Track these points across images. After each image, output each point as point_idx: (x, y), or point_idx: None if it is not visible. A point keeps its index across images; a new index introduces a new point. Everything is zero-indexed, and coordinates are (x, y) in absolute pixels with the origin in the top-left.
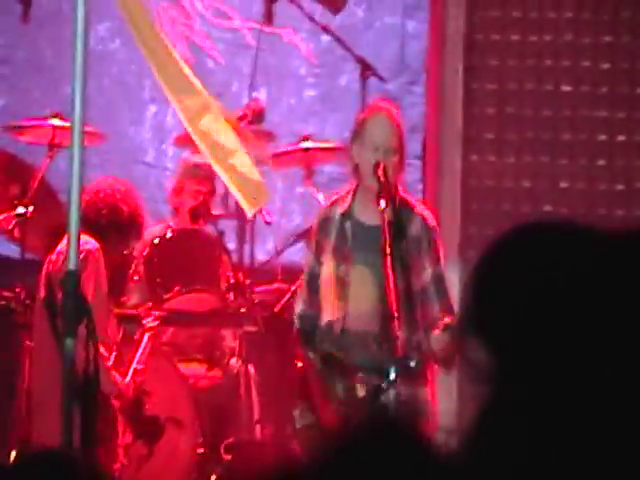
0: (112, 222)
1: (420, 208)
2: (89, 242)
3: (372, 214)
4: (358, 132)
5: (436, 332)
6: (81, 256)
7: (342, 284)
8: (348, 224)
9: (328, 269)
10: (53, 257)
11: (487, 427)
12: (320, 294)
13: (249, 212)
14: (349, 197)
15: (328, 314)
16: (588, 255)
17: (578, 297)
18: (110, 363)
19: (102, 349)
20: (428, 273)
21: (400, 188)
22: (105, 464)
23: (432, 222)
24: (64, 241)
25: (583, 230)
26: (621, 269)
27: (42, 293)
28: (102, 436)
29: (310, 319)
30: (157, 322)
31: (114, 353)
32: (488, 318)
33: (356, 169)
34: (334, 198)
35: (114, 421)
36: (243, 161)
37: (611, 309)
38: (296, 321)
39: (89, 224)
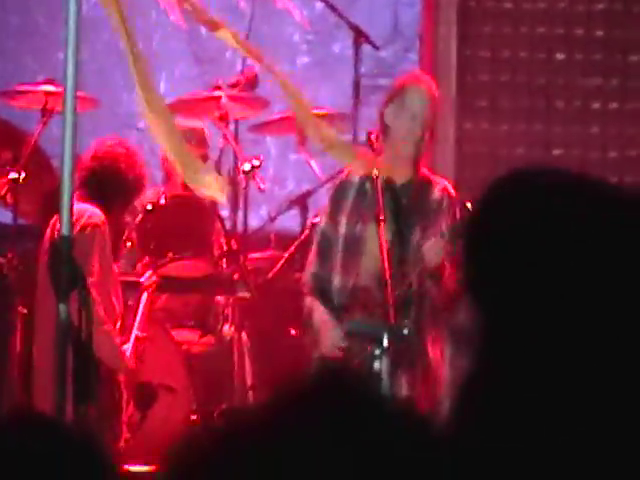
0: (117, 189)
1: (439, 180)
2: (95, 214)
3: (395, 174)
4: (397, 96)
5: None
6: (88, 230)
7: (358, 241)
8: (368, 185)
9: (344, 228)
10: (54, 224)
11: (470, 394)
12: (332, 255)
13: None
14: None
15: (342, 274)
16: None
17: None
18: (119, 339)
19: (110, 326)
20: (446, 234)
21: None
22: (110, 440)
23: (452, 191)
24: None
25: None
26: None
27: (45, 258)
28: (107, 412)
29: (322, 280)
30: (155, 278)
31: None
32: (479, 273)
33: (385, 130)
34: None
35: (120, 397)
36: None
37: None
38: (309, 281)
39: (93, 191)
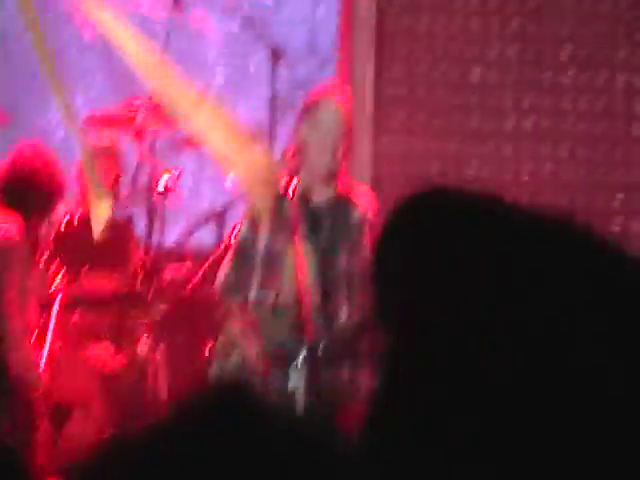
0: (37, 198)
1: (360, 196)
2: (11, 229)
3: (315, 193)
4: (310, 112)
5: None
6: (4, 245)
7: (278, 258)
8: (285, 203)
9: (264, 241)
10: None
11: (373, 412)
12: (249, 265)
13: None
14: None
15: (259, 288)
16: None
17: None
18: (34, 355)
19: (27, 343)
20: (363, 257)
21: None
22: (25, 456)
23: (370, 213)
24: None
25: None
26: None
27: None
28: (22, 429)
29: (236, 285)
30: (67, 280)
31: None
32: (383, 293)
33: (301, 147)
34: None
35: (34, 414)
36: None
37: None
38: (223, 282)
39: (10, 199)
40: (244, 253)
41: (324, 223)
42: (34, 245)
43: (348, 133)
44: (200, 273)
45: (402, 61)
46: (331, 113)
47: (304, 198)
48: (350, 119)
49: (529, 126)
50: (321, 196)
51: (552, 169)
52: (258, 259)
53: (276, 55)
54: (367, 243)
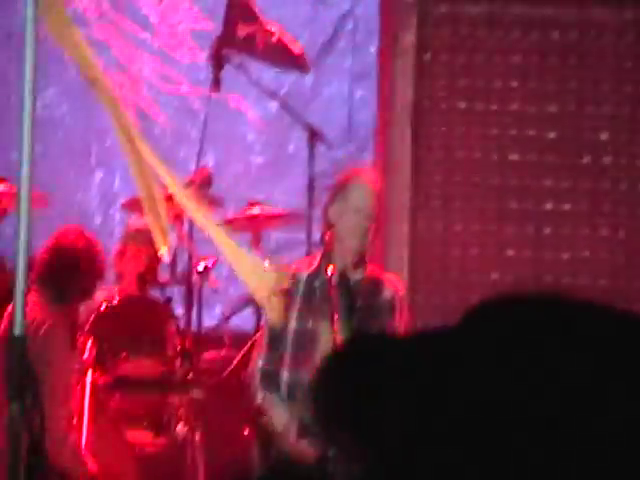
0: (76, 281)
1: (388, 277)
2: (50, 315)
3: (344, 271)
4: (339, 193)
5: None
6: (43, 330)
7: (311, 338)
8: (317, 283)
9: (294, 324)
10: (7, 319)
11: None
12: (281, 350)
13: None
14: (317, 259)
15: (291, 369)
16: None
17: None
18: (80, 446)
19: (73, 434)
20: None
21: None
22: None
23: (401, 288)
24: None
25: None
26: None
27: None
28: None
29: (271, 374)
30: (105, 363)
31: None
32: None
33: (331, 229)
34: (298, 264)
35: None
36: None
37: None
38: (257, 375)
39: (50, 282)
40: (277, 340)
41: (358, 303)
42: (73, 328)
43: (377, 212)
44: (238, 358)
45: (439, 144)
46: (360, 193)
47: (342, 278)
48: (381, 200)
49: (568, 207)
50: (353, 275)
51: (591, 250)
52: (289, 341)
53: (314, 136)
54: (397, 323)
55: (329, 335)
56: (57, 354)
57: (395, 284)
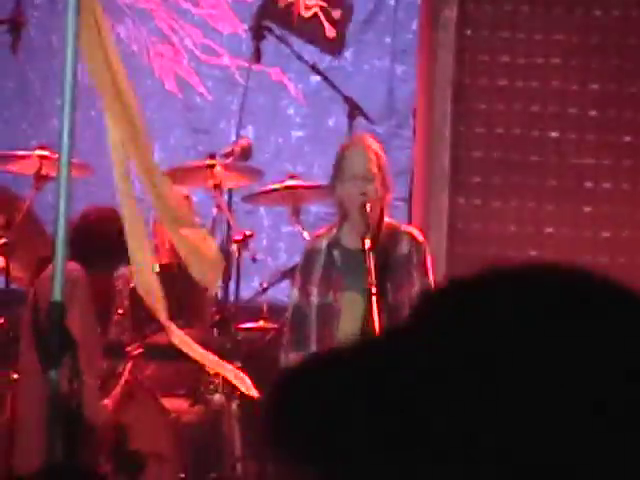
0: (101, 250)
1: (405, 227)
2: (75, 269)
3: (358, 240)
4: (337, 169)
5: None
6: (68, 284)
7: (332, 312)
8: (336, 252)
9: (316, 299)
10: (38, 283)
11: None
12: (307, 327)
13: (209, 288)
14: (334, 228)
15: (317, 346)
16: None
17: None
18: (98, 394)
19: (90, 379)
20: (417, 286)
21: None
22: None
23: (419, 237)
24: (50, 267)
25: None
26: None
27: (28, 319)
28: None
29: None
30: (140, 350)
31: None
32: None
33: (341, 205)
34: (316, 234)
35: (96, 452)
36: (197, 234)
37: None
38: (283, 356)
39: (76, 249)
40: (302, 320)
41: (367, 267)
42: (108, 300)
43: (380, 172)
44: (274, 330)
45: (479, 120)
46: (354, 159)
47: (341, 246)
48: (380, 157)
49: (608, 186)
50: (367, 242)
51: (631, 229)
52: (313, 317)
53: (354, 110)
54: (421, 272)
55: (350, 308)
56: (71, 311)
57: (412, 234)
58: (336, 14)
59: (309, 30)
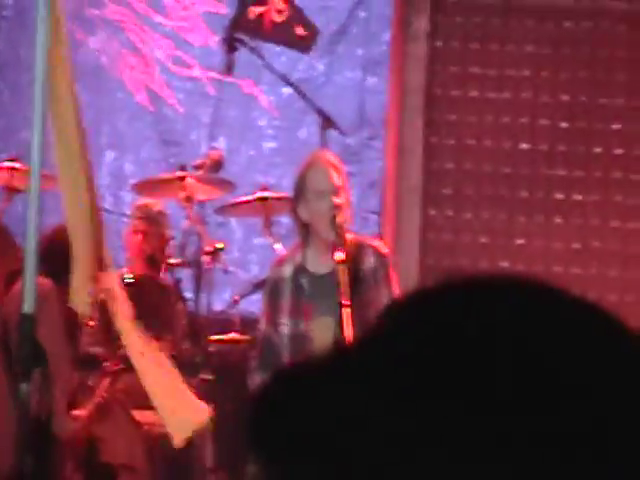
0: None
1: (370, 241)
2: (45, 283)
3: (325, 262)
4: (300, 188)
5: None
6: (38, 299)
7: (304, 341)
8: (304, 279)
9: (288, 328)
10: (8, 300)
11: None
12: (276, 356)
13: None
14: (297, 253)
15: None
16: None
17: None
18: (66, 406)
19: (59, 392)
20: (386, 299)
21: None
22: None
23: (384, 250)
24: (20, 282)
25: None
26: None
27: None
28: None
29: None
30: (117, 367)
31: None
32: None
33: (305, 226)
34: (278, 259)
35: (62, 465)
36: (178, 386)
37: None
38: (249, 378)
39: (47, 265)
40: (272, 351)
41: (333, 289)
42: (72, 314)
43: (343, 183)
44: (246, 342)
45: (451, 132)
46: (318, 176)
47: (307, 272)
48: (339, 170)
49: (579, 197)
50: (328, 262)
51: (602, 241)
52: (285, 348)
53: (326, 122)
54: (389, 279)
55: (323, 334)
56: (48, 333)
57: (376, 248)
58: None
59: (280, 32)
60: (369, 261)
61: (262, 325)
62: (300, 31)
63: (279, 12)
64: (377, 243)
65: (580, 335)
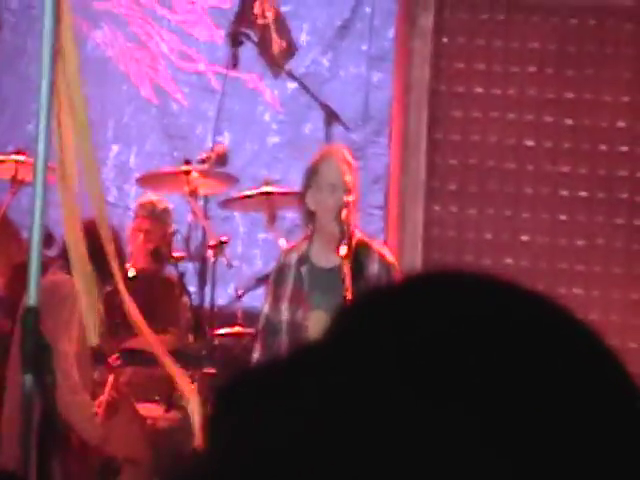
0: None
1: (377, 246)
2: (69, 281)
3: (329, 257)
4: (312, 177)
5: None
6: (70, 299)
7: (300, 330)
8: (304, 269)
9: (286, 315)
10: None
11: None
12: (277, 342)
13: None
14: (305, 243)
15: None
16: None
17: None
18: (94, 409)
19: (87, 395)
20: None
21: (357, 228)
22: None
23: (390, 258)
24: (47, 277)
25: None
26: None
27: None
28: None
29: None
30: (119, 362)
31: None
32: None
33: (312, 215)
34: (289, 246)
35: (72, 462)
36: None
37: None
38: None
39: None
40: (272, 332)
41: (337, 284)
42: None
43: (354, 183)
44: (249, 336)
45: (456, 128)
46: (331, 170)
47: (310, 263)
48: (353, 170)
49: (584, 194)
50: (332, 257)
51: (607, 238)
52: (283, 333)
53: (331, 117)
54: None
55: (317, 326)
56: (74, 325)
57: (382, 254)
58: (282, 44)
59: (260, 37)
60: (373, 267)
61: (265, 307)
62: (277, 45)
63: (263, 17)
64: (384, 250)
65: (525, 333)
